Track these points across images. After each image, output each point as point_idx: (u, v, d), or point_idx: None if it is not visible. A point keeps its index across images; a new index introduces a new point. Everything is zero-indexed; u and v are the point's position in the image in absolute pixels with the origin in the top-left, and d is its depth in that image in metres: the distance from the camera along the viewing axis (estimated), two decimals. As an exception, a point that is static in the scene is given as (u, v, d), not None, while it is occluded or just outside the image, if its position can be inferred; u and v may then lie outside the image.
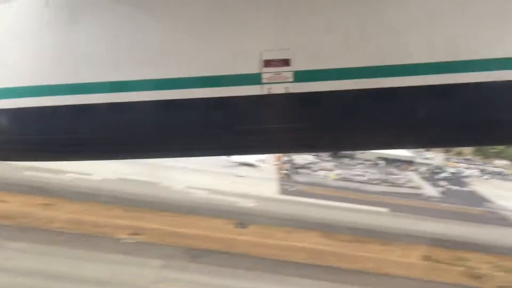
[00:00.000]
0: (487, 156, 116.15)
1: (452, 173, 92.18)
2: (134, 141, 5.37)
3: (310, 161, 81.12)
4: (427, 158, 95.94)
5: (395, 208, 61.79)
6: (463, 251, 48.25)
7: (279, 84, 4.83)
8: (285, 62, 4.78)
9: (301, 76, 4.78)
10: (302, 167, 77.54)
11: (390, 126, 4.69)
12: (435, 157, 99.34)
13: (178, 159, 57.12)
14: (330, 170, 76.10)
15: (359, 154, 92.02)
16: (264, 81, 4.86)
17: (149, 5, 5.02)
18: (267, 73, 4.83)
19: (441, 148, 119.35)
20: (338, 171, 75.63)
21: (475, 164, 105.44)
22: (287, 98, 4.72)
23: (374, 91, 4.50)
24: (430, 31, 4.59)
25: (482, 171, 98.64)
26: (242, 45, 4.97)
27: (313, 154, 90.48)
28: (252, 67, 4.87)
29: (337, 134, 4.93)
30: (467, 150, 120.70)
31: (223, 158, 72.51)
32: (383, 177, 76.72)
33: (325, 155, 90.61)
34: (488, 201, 73.62)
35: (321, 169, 76.23)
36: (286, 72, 4.78)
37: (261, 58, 4.82)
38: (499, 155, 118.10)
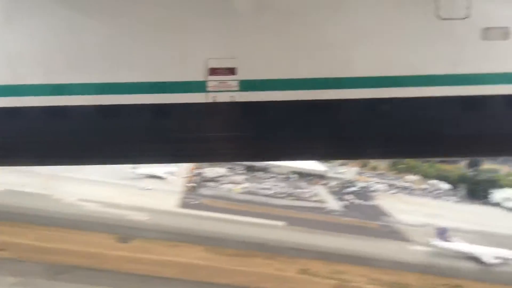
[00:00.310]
0: (400, 171, 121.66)
1: (361, 187, 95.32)
2: (70, 147, 5.04)
3: (221, 174, 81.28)
4: (338, 172, 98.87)
5: (294, 222, 62.93)
6: (344, 264, 49.85)
7: (224, 92, 4.76)
8: (231, 71, 4.70)
9: (246, 85, 4.74)
10: (211, 180, 77.46)
11: (332, 138, 4.70)
12: (347, 171, 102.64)
13: (78, 170, 55.43)
14: (238, 183, 76.47)
15: (273, 167, 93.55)
16: (209, 89, 4.77)
17: (91, 9, 4.80)
18: (213, 81, 4.76)
19: (364, 160, 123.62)
20: (245, 185, 76.11)
21: (386, 179, 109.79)
22: (232, 107, 4.62)
23: (317, 103, 4.53)
24: (369, 48, 4.75)
25: (391, 185, 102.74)
26: (188, 52, 4.85)
27: (229, 166, 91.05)
28: (197, 75, 4.77)
29: (281, 144, 4.85)
30: (382, 165, 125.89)
31: (130, 170, 71.23)
32: (290, 190, 78.08)
33: (238, 168, 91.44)
34: (387, 215, 76.68)
35: (229, 182, 76.40)
36: (232, 81, 4.72)
37: (206, 66, 4.75)
38: (411, 171, 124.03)
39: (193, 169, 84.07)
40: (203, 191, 71.99)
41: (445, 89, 4.53)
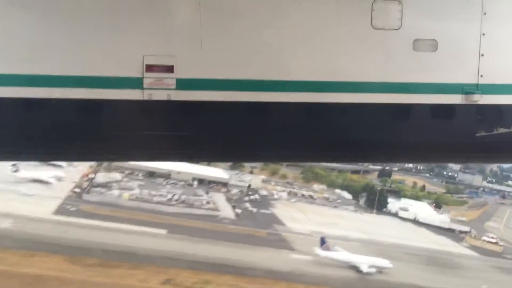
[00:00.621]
0: (308, 180, 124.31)
1: (263, 195, 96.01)
2: None
3: (113, 180, 78.40)
4: (241, 180, 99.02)
5: (177, 230, 61.52)
6: (214, 273, 49.19)
7: (161, 90, 4.49)
8: (169, 69, 4.49)
9: (184, 84, 4.51)
10: (102, 185, 74.35)
11: (266, 140, 4.52)
12: (252, 179, 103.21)
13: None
14: (130, 189, 73.95)
15: (176, 174, 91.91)
16: (145, 86, 4.50)
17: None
18: (149, 79, 4.48)
19: (276, 168, 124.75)
20: (136, 191, 73.76)
21: (292, 187, 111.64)
22: (169, 105, 4.40)
23: (252, 104, 4.40)
24: (305, 53, 4.65)
25: (294, 194, 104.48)
26: (123, 47, 4.60)
27: (127, 172, 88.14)
28: (133, 71, 4.50)
29: (216, 145, 4.66)
30: (292, 173, 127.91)
31: (10, 173, 66.75)
32: (186, 198, 76.67)
33: (136, 174, 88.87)
34: (280, 223, 77.40)
35: (121, 188, 73.71)
36: (169, 79, 4.47)
37: (143, 62, 4.48)
38: (318, 180, 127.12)
39: (87, 173, 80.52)
40: (89, 197, 68.80)
41: (376, 96, 4.56)
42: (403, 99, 4.59)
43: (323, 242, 64.23)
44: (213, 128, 4.72)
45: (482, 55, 4.67)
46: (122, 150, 5.06)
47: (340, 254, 63.60)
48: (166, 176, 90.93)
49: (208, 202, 77.21)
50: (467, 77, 4.67)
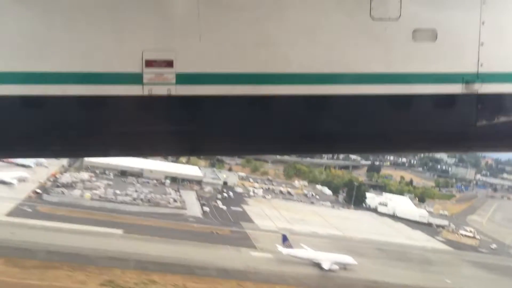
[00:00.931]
0: (289, 177, 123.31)
1: (238, 193, 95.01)
2: None
3: (79, 179, 77.62)
4: (217, 178, 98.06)
5: (134, 230, 60.65)
6: (161, 273, 48.26)
7: (161, 85, 4.39)
8: (169, 63, 4.39)
9: (184, 78, 4.42)
10: (66, 185, 73.58)
11: (269, 134, 4.52)
12: (229, 176, 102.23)
13: None
14: (94, 189, 73.11)
15: (148, 172, 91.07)
16: (145, 81, 4.38)
17: None
18: (149, 74, 4.38)
19: (257, 164, 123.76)
20: (100, 191, 72.91)
21: (271, 184, 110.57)
22: (169, 101, 4.32)
23: (253, 98, 4.37)
24: (306, 45, 4.61)
25: (271, 191, 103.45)
26: (123, 42, 4.47)
27: (97, 171, 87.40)
28: (132, 66, 4.38)
29: (217, 140, 4.66)
30: (274, 169, 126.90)
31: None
32: (152, 197, 75.76)
33: (107, 173, 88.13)
34: (249, 221, 76.42)
35: (87, 188, 72.90)
36: (169, 74, 4.38)
37: (143, 57, 4.37)
38: (300, 176, 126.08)
39: (54, 173, 79.79)
40: (50, 197, 67.95)
41: (377, 87, 4.52)
42: (402, 89, 4.55)
43: (285, 239, 63.18)
44: (213, 123, 4.64)
45: (482, 44, 4.66)
46: (122, 147, 4.96)
47: (302, 252, 62.49)
48: (138, 174, 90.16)
49: (175, 201, 76.23)
50: (467, 67, 4.67)
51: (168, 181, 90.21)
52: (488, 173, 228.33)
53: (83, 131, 4.62)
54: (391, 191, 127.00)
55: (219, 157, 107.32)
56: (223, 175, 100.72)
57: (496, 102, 4.60)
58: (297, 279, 54.89)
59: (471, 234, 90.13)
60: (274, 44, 4.66)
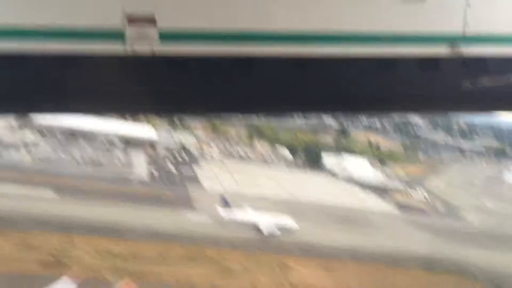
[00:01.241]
0: (252, 138, 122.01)
1: (193, 154, 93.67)
2: None
3: (20, 139, 75.16)
4: (172, 139, 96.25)
5: (69, 192, 59.20)
6: (83, 236, 47.23)
7: (143, 44, 4.26)
8: (151, 21, 4.20)
9: (168, 36, 4.27)
10: (5, 145, 71.21)
11: (252, 94, 4.41)
12: (186, 137, 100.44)
13: None
14: (34, 149, 70.94)
15: (99, 133, 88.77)
16: (127, 39, 4.26)
17: None
18: (131, 31, 4.23)
19: (218, 125, 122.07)
20: (39, 151, 70.82)
21: (231, 146, 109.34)
22: (152, 60, 4.17)
23: (238, 57, 4.21)
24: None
25: (229, 153, 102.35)
26: None
27: (42, 129, 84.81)
28: (113, 23, 4.19)
29: (202, 100, 4.56)
30: (237, 131, 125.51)
31: None
32: (96, 158, 73.98)
33: (54, 133, 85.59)
34: (197, 184, 75.57)
35: (25, 148, 70.68)
36: (152, 31, 4.21)
37: (124, 14, 4.19)
38: (264, 138, 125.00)
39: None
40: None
41: (361, 48, 4.33)
42: (387, 51, 4.34)
43: (225, 202, 62.56)
44: (198, 83, 4.39)
45: (469, 5, 4.55)
46: (108, 106, 4.77)
47: (242, 215, 62.00)
48: (88, 135, 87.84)
49: (121, 163, 74.60)
50: (453, 29, 4.57)
51: (118, 142, 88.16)
52: (460, 137, 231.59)
53: (61, 90, 4.34)
54: (354, 154, 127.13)
55: (180, 117, 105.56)
56: (180, 137, 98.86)
57: (481, 64, 4.47)
58: (231, 242, 54.49)
59: (423, 197, 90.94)
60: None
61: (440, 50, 4.34)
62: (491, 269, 58.43)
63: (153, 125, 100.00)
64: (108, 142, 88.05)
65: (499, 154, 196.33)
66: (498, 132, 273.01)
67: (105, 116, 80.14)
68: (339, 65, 4.43)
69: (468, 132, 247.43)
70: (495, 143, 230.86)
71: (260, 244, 56.81)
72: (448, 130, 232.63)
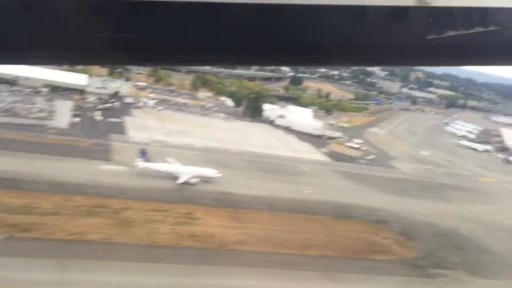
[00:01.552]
0: (196, 88, 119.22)
1: (126, 103, 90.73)
2: None
3: None
4: (103, 88, 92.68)
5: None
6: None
7: None
8: None
9: None
10: None
11: (223, 43, 4.11)
12: (121, 86, 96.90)
13: None
14: None
15: (24, 80, 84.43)
16: None
17: None
18: None
19: (163, 74, 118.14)
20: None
21: (172, 95, 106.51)
22: (118, 4, 3.81)
23: (202, 3, 3.88)
24: None
25: (168, 101, 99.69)
26: None
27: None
28: None
29: (171, 48, 4.15)
30: (181, 79, 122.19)
31: None
32: (12, 106, 70.38)
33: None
34: (122, 133, 73.31)
35: None
36: None
37: None
38: (209, 87, 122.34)
39: None
40: None
41: None
42: (355, 0, 4.10)
43: (143, 153, 60.83)
44: (167, 30, 3.98)
45: None
46: (72, 53, 4.22)
47: (160, 165, 60.64)
48: (12, 82, 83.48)
49: (41, 111, 71.29)
50: None
51: (45, 90, 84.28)
52: (416, 87, 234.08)
53: (20, 32, 3.81)
54: (302, 104, 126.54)
55: (123, 66, 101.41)
56: (115, 85, 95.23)
57: (447, 15, 4.28)
58: (140, 192, 53.27)
59: (357, 146, 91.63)
60: None
61: (407, 1, 4.15)
62: (406, 216, 59.77)
63: (90, 74, 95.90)
64: (33, 89, 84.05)
65: (451, 103, 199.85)
66: (455, 81, 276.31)
67: (50, 64, 76.09)
68: (301, 14, 4.15)
69: (425, 82, 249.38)
70: (449, 93, 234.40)
71: (173, 194, 55.78)
72: (405, 79, 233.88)
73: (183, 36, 4.21)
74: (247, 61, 5.98)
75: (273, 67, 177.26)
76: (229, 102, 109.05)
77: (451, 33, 4.35)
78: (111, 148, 65.33)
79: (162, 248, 42.57)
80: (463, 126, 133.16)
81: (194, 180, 59.84)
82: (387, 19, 4.34)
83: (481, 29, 4.38)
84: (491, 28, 4.40)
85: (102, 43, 4.15)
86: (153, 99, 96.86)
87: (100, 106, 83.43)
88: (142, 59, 5.11)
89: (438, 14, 4.40)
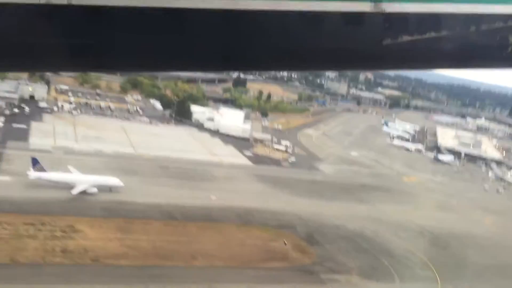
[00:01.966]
0: (126, 90, 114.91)
1: (40, 107, 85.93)
2: None
3: None
4: (13, 91, 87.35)
5: None
6: None
7: None
8: None
9: None
10: None
11: (180, 50, 3.95)
12: (37, 89, 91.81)
13: None
14: None
15: None
16: None
17: None
18: None
19: (87, 78, 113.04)
20: None
21: (95, 99, 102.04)
22: (70, 10, 3.63)
23: (163, 9, 3.76)
24: None
25: (87, 105, 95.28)
26: None
27: None
28: None
29: (123, 55, 3.95)
30: (110, 82, 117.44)
31: None
32: None
33: None
34: (23, 140, 68.81)
35: None
36: None
37: None
38: (139, 90, 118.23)
39: None
40: None
41: (284, 2, 3.97)
42: (310, 5, 4.02)
43: (35, 162, 56.64)
44: (119, 36, 3.80)
45: None
46: (21, 60, 3.92)
47: (55, 175, 56.60)
48: None
49: None
50: None
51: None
52: (364, 88, 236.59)
53: None
54: (239, 106, 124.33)
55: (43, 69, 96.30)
56: (30, 89, 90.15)
57: (402, 21, 4.28)
58: (20, 204, 49.21)
59: (283, 148, 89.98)
60: None
61: (363, 7, 4.03)
62: (313, 219, 58.08)
63: (6, 77, 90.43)
64: None
65: (395, 103, 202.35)
66: (405, 82, 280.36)
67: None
68: (257, 20, 3.96)
69: (374, 83, 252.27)
70: (397, 93, 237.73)
71: (60, 206, 51.85)
72: (354, 80, 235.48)
73: (138, 42, 3.91)
74: (205, 67, 5.24)
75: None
76: (158, 105, 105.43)
77: (406, 38, 4.35)
78: (3, 157, 60.79)
79: (23, 267, 38.85)
80: (400, 126, 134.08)
81: (92, 190, 56.20)
82: (343, 25, 4.32)
83: (433, 34, 4.36)
84: (443, 33, 4.39)
85: (48, 49, 3.81)
86: (71, 103, 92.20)
87: (7, 112, 78.30)
88: (94, 66, 4.70)
89: (394, 20, 4.37)
